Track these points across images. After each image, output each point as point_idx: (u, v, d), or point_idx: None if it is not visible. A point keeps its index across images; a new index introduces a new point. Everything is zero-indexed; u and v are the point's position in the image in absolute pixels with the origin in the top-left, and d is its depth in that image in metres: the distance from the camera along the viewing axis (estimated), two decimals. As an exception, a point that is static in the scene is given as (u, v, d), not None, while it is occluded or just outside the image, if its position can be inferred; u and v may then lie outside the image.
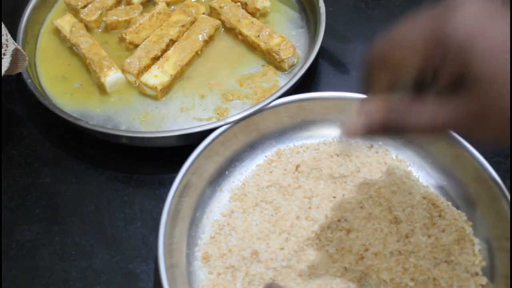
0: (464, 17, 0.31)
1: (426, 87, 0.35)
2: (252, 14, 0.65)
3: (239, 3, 0.65)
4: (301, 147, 0.55)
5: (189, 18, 0.64)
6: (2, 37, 0.53)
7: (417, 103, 0.34)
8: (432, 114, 0.33)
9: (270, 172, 0.53)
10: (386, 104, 0.36)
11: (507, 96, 0.30)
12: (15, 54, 0.54)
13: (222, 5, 0.64)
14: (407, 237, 0.48)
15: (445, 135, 0.36)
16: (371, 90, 0.37)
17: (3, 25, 0.55)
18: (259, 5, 0.64)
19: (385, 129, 0.36)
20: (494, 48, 0.30)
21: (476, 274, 0.46)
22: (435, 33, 0.32)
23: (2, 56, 0.52)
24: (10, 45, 0.53)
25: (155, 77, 0.58)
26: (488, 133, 0.32)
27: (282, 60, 0.59)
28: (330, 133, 0.56)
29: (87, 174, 0.56)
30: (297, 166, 0.53)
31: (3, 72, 0.52)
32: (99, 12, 0.64)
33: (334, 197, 0.50)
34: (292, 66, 0.61)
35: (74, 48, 0.63)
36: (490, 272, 0.47)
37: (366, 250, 0.47)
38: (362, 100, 0.38)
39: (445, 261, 0.46)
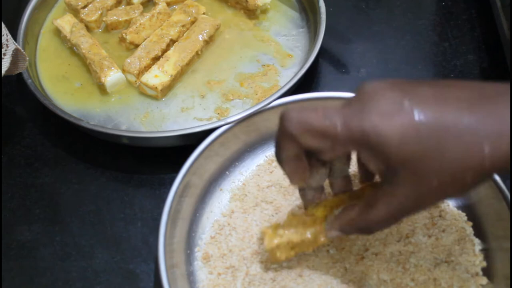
0: (374, 117, 0.33)
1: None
2: (253, 11, 0.65)
3: None
4: (301, 147, 0.55)
5: (189, 18, 0.64)
6: (3, 37, 0.53)
7: (371, 203, 0.38)
8: (385, 208, 0.36)
9: (271, 172, 0.53)
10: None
11: (435, 173, 0.33)
12: (16, 54, 0.54)
13: None
14: (407, 237, 0.48)
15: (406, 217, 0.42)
16: (281, 160, 0.40)
17: (3, 25, 0.55)
18: (259, 1, 0.64)
19: (356, 230, 0.40)
20: (404, 137, 0.33)
21: (477, 274, 0.46)
22: (347, 131, 0.34)
23: (3, 56, 0.52)
24: (10, 45, 0.53)
25: (156, 77, 0.58)
26: (433, 200, 0.36)
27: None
28: (330, 133, 0.56)
29: (87, 174, 0.56)
30: (297, 166, 0.53)
31: (3, 72, 0.52)
32: (99, 12, 0.64)
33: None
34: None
35: (74, 48, 0.63)
36: (490, 272, 0.47)
37: (366, 250, 0.47)
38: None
39: (446, 261, 0.46)
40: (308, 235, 0.44)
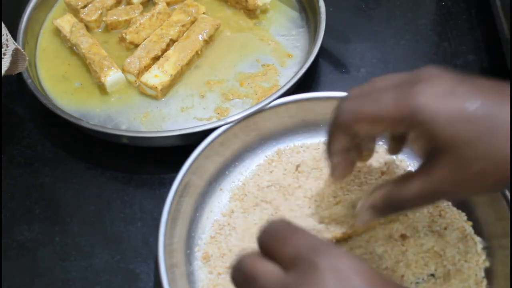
0: (427, 96, 0.34)
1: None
2: (252, 11, 0.65)
3: None
4: (301, 147, 0.55)
5: (189, 18, 0.64)
6: (2, 37, 0.53)
7: (406, 179, 0.38)
8: (420, 185, 0.36)
9: (270, 172, 0.53)
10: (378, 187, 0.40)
11: (480, 159, 0.33)
12: (15, 54, 0.54)
13: None
14: (407, 237, 0.48)
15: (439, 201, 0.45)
16: (331, 152, 0.41)
17: (3, 25, 0.55)
18: (259, 1, 0.64)
19: (387, 206, 0.39)
20: (455, 119, 0.34)
21: (477, 274, 0.46)
22: (399, 109, 0.35)
23: (2, 56, 0.52)
24: (10, 45, 0.53)
25: (155, 77, 0.58)
26: (469, 189, 0.36)
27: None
28: (330, 133, 0.56)
29: (87, 174, 0.56)
30: (297, 166, 0.53)
31: (3, 72, 0.52)
32: (99, 12, 0.64)
33: (335, 197, 0.50)
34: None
35: (74, 48, 0.63)
36: (490, 271, 0.46)
37: (366, 252, 0.47)
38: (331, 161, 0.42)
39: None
40: None
